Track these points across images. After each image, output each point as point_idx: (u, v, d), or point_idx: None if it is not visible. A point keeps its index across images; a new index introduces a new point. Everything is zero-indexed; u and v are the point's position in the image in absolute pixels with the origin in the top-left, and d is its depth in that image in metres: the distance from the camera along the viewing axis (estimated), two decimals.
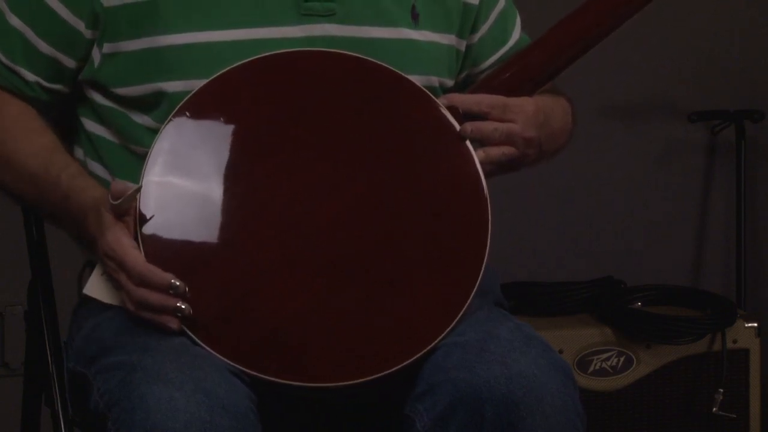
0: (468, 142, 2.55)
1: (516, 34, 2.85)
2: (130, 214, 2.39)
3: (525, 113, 2.63)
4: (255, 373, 2.39)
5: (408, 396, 2.46)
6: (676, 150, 4.55)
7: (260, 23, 2.60)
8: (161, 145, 2.48)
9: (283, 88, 2.55)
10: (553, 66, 2.67)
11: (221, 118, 2.53)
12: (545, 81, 2.67)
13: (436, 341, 2.43)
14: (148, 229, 2.45)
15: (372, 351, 2.46)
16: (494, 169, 2.58)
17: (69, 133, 2.72)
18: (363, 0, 2.65)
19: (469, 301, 2.46)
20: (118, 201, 2.36)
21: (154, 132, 2.51)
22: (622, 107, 4.30)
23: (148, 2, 2.54)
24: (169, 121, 2.48)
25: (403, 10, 2.65)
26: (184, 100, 2.50)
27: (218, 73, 2.51)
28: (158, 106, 2.55)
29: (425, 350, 2.43)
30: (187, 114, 2.50)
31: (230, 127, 2.54)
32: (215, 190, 2.47)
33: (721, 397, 3.89)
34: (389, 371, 2.42)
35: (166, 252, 2.46)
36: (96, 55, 2.60)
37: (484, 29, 2.78)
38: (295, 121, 2.53)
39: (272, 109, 2.52)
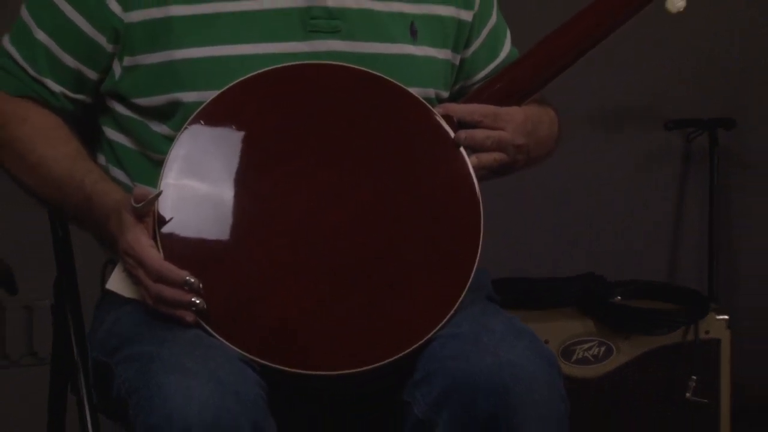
0: (462, 149, 2.56)
1: (506, 49, 2.88)
2: (149, 216, 2.40)
3: (514, 122, 2.64)
4: (264, 362, 2.40)
5: (406, 384, 2.46)
6: (653, 156, 4.56)
7: (269, 39, 2.62)
8: (177, 151, 2.49)
9: (291, 99, 2.57)
10: (540, 78, 2.70)
11: (233, 127, 2.55)
12: (533, 92, 2.71)
13: (431, 333, 2.46)
14: (165, 229, 2.47)
15: (372, 343, 2.48)
16: (487, 173, 2.61)
17: (92, 141, 2.73)
18: (365, 18, 2.65)
19: (462, 298, 2.48)
20: (140, 204, 2.37)
21: (171, 140, 2.53)
22: (604, 116, 4.30)
23: (164, 19, 2.56)
24: (184, 130, 2.50)
25: (402, 28, 2.67)
26: (198, 109, 2.52)
27: (230, 85, 2.52)
28: (174, 116, 2.57)
29: (421, 342, 2.45)
30: (201, 123, 2.52)
31: (241, 135, 2.55)
32: (228, 194, 2.50)
33: (694, 384, 3.90)
34: (388, 361, 2.44)
35: (182, 250, 2.48)
36: (116, 68, 2.61)
37: (476, 44, 2.81)
38: (302, 130, 2.55)
39: (281, 119, 2.54)
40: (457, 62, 2.77)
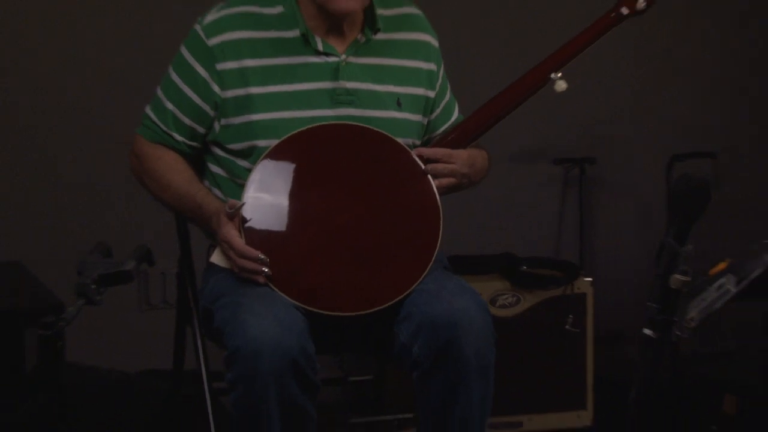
0: (429, 177, 2.58)
1: (455, 114, 2.88)
2: (236, 217, 2.44)
3: (461, 159, 2.66)
4: (306, 307, 2.45)
5: (394, 321, 2.50)
6: (545, 181, 4.51)
7: (310, 107, 2.61)
8: (254, 177, 2.52)
9: (323, 145, 2.58)
10: (476, 133, 2.69)
11: (288, 162, 2.55)
12: (473, 140, 2.70)
13: (409, 289, 2.51)
14: (247, 225, 2.50)
15: (373, 295, 2.51)
16: (444, 191, 2.62)
17: (200, 171, 2.73)
18: (370, 95, 2.65)
19: (429, 267, 2.54)
20: (231, 210, 2.45)
21: (249, 171, 2.54)
22: (515, 154, 4.29)
23: (246, 95, 2.59)
24: (258, 164, 2.52)
25: (392, 101, 2.68)
26: (266, 151, 2.53)
27: (286, 136, 2.53)
28: (252, 155, 2.59)
29: (403, 295, 2.51)
30: (269, 160, 2.53)
31: (293, 167, 2.55)
32: (284, 204, 2.54)
33: (570, 320, 3.90)
34: (383, 306, 2.48)
35: (257, 238, 2.50)
36: (216, 126, 2.64)
37: (437, 112, 2.83)
38: (329, 164, 2.58)
39: (316, 158, 2.56)
40: (426, 122, 2.78)
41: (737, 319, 2.51)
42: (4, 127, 4.03)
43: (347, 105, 2.61)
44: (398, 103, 2.66)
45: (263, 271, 2.41)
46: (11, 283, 3.67)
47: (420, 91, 2.71)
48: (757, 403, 3.42)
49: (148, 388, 3.65)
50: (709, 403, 3.58)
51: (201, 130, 2.63)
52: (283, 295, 2.43)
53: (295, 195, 2.51)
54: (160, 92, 2.65)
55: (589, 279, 4.01)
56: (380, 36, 2.66)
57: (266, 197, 2.50)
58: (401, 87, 2.68)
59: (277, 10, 2.60)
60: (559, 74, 2.61)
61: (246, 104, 2.58)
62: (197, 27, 2.60)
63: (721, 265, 2.30)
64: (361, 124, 2.57)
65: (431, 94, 2.74)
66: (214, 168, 2.68)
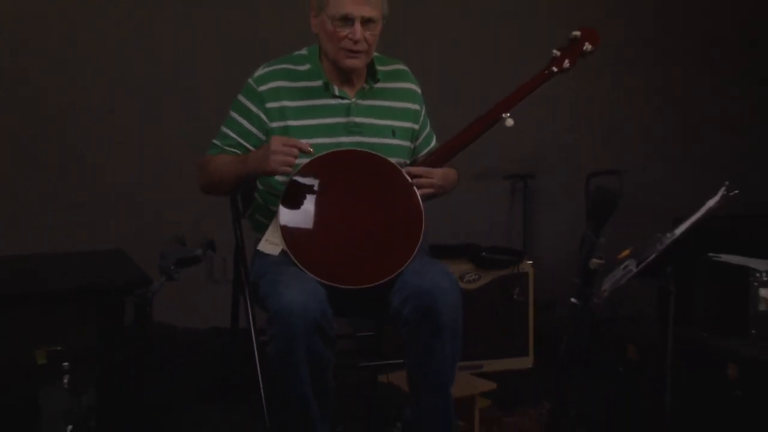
0: (414, 188, 2.56)
1: (433, 142, 2.83)
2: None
3: (438, 175, 2.62)
4: (327, 282, 2.42)
5: (390, 292, 2.48)
6: (499, 191, 4.48)
7: (330, 136, 2.60)
8: (288, 187, 2.50)
9: (339, 165, 2.54)
10: (449, 155, 2.65)
11: (314, 177, 2.52)
12: (447, 161, 2.65)
13: (401, 268, 2.48)
14: (282, 223, 2.47)
15: (375, 272, 2.47)
16: (426, 198, 2.58)
17: (250, 188, 2.70)
18: (373, 127, 2.64)
19: (415, 253, 2.50)
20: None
21: (284, 184, 2.52)
22: (476, 171, 4.23)
23: (284, 127, 2.58)
24: (293, 178, 2.49)
25: (390, 132, 2.66)
26: (297, 170, 2.50)
27: (312, 157, 2.50)
28: (287, 174, 2.51)
29: (396, 272, 2.47)
30: (299, 176, 2.51)
31: (317, 180, 2.51)
32: (311, 205, 2.50)
33: (517, 291, 3.84)
34: (383, 280, 2.46)
35: (293, 231, 2.47)
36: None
37: (420, 140, 2.80)
38: (343, 178, 2.54)
39: (334, 174, 2.52)
40: (413, 147, 2.75)
41: (637, 290, 2.49)
42: (112, 133, 3.95)
43: (357, 134, 2.59)
44: (393, 133, 2.64)
45: (308, 149, 2.41)
46: (115, 265, 3.65)
47: (409, 124, 2.69)
48: (650, 350, 3.41)
49: (213, 340, 3.63)
50: (617, 350, 3.56)
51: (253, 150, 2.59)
52: (309, 273, 2.41)
53: (318, 200, 2.48)
54: (224, 128, 2.62)
55: (531, 262, 3.96)
56: (379, 85, 2.65)
57: (298, 203, 2.48)
58: (395, 121, 2.66)
59: (306, 67, 2.61)
60: (508, 114, 2.58)
61: (285, 133, 2.56)
62: (250, 80, 2.59)
63: (626, 252, 2.29)
64: (367, 150, 2.56)
65: (416, 126, 2.71)
66: (260, 184, 2.63)
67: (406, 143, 2.69)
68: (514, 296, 3.92)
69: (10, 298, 3.35)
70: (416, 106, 2.71)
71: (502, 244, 4.26)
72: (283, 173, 2.45)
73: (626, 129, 4.59)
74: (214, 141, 2.63)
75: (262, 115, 2.56)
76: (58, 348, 2.60)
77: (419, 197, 2.54)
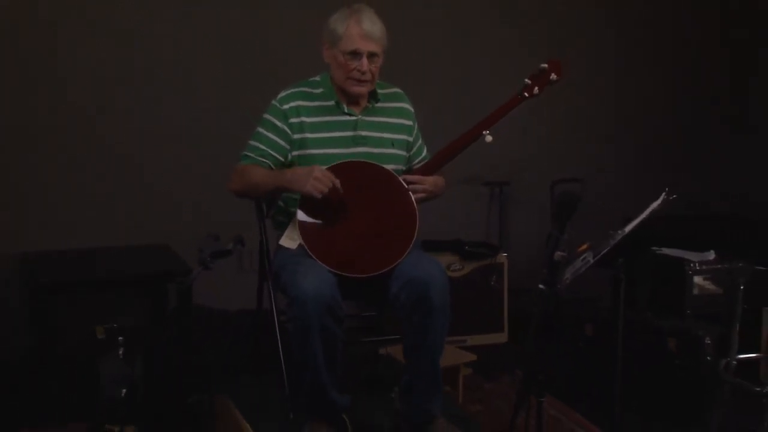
0: (410, 192, 2.56)
1: (424, 152, 2.83)
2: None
3: (429, 182, 2.62)
4: (337, 272, 2.43)
5: (389, 279, 2.49)
6: (479, 195, 4.46)
7: (340, 147, 2.60)
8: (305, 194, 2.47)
9: (348, 172, 2.52)
10: (439, 165, 2.65)
11: None
12: (437, 170, 2.65)
13: (400, 259, 2.48)
14: (300, 220, 2.49)
15: (378, 263, 2.46)
16: (419, 201, 2.58)
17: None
18: (376, 140, 2.65)
19: (410, 247, 2.51)
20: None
21: None
22: (461, 178, 4.21)
23: (303, 139, 2.58)
24: None
25: (389, 143, 2.67)
26: None
27: (326, 167, 2.50)
28: (316, 197, 2.49)
29: (396, 262, 2.48)
30: None
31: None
32: (324, 207, 2.49)
33: (494, 278, 3.85)
34: (384, 270, 2.45)
35: (309, 228, 2.48)
36: (289, 156, 2.61)
37: (413, 150, 2.80)
38: (350, 184, 2.51)
39: (345, 178, 2.49)
40: (407, 156, 2.76)
41: (594, 278, 2.49)
42: (158, 141, 3.83)
43: (362, 145, 2.60)
44: (392, 144, 2.67)
45: (334, 183, 2.40)
46: (161, 257, 3.65)
47: (404, 137, 2.71)
48: (604, 328, 3.41)
49: (242, 320, 3.63)
50: (577, 328, 3.56)
51: (282, 160, 2.59)
52: (323, 264, 2.42)
53: (330, 203, 2.48)
54: (254, 142, 2.62)
55: (505, 254, 3.97)
56: (380, 104, 2.68)
57: (312, 203, 2.48)
58: (394, 134, 2.67)
59: (320, 90, 2.64)
60: (488, 132, 2.59)
61: (304, 143, 2.58)
62: (275, 101, 2.60)
63: (585, 246, 2.29)
64: (371, 162, 2.57)
65: (410, 139, 2.74)
66: None
67: (402, 152, 2.69)
68: (492, 283, 3.92)
69: (75, 284, 3.37)
70: (410, 122, 2.73)
71: (482, 239, 4.28)
72: (314, 196, 2.43)
73: (584, 144, 4.59)
74: (246, 153, 2.62)
75: (287, 129, 2.57)
76: (114, 325, 2.61)
77: (414, 200, 2.55)
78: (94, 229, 3.76)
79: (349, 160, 2.54)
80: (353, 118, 2.60)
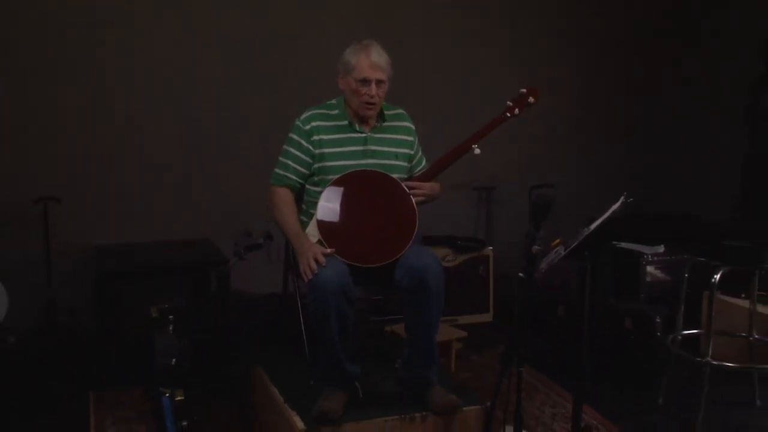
0: (411, 196, 2.52)
1: (423, 163, 2.77)
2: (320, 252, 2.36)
3: (427, 187, 2.60)
4: (350, 262, 2.40)
5: (393, 268, 2.44)
6: (470, 198, 4.43)
7: (352, 159, 2.55)
8: (324, 194, 2.46)
9: (358, 180, 2.50)
10: (435, 173, 2.62)
11: (341, 187, 2.49)
12: (433, 177, 2.62)
13: (402, 252, 2.44)
14: (318, 219, 2.44)
15: (384, 254, 2.42)
16: (418, 204, 2.54)
17: (301, 196, 2.63)
18: (382, 153, 2.59)
19: (411, 242, 2.48)
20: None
21: (319, 193, 2.49)
22: (454, 184, 4.16)
23: (321, 153, 2.53)
24: (327, 188, 2.47)
25: (394, 156, 2.63)
26: (330, 182, 2.48)
27: (340, 175, 2.48)
28: (323, 184, 2.50)
29: (399, 254, 2.43)
30: (331, 186, 2.48)
31: (342, 190, 2.48)
32: (338, 208, 2.46)
33: (481, 269, 3.82)
34: (389, 260, 2.41)
35: (326, 226, 2.43)
36: (312, 170, 2.56)
37: (414, 161, 2.74)
38: (360, 190, 2.49)
39: (354, 186, 2.48)
40: (409, 167, 2.71)
41: (565, 268, 2.46)
42: (197, 143, 3.80)
43: (371, 157, 2.56)
44: (396, 156, 2.63)
45: (322, 264, 2.30)
46: (203, 249, 3.65)
47: (406, 150, 2.66)
48: (573, 310, 3.39)
49: (270, 302, 3.62)
50: (551, 310, 3.54)
51: (307, 172, 2.55)
52: (337, 256, 2.39)
53: (344, 203, 2.46)
54: (282, 159, 2.59)
55: (491, 248, 3.95)
56: (386, 123, 2.64)
57: (329, 204, 2.46)
58: (398, 148, 2.62)
59: (335, 111, 2.60)
60: (476, 146, 2.57)
61: (323, 157, 2.54)
62: (298, 122, 2.56)
63: (557, 241, 2.26)
64: (377, 170, 2.54)
65: (412, 152, 2.68)
66: (308, 190, 2.59)
67: (405, 164, 2.65)
68: (480, 272, 3.90)
69: (135, 272, 3.37)
70: (411, 138, 2.70)
71: (471, 235, 4.24)
72: (300, 260, 2.36)
73: (557, 156, 4.56)
74: (276, 170, 2.59)
75: (309, 146, 2.56)
76: (166, 306, 2.59)
77: (414, 203, 2.52)
78: (151, 226, 3.77)
79: (360, 169, 2.52)
80: (363, 135, 2.58)
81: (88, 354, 3.28)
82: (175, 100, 3.75)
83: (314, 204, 2.51)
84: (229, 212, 3.82)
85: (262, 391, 2.69)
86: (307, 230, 2.51)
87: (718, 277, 2.75)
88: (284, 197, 2.55)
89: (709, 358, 2.77)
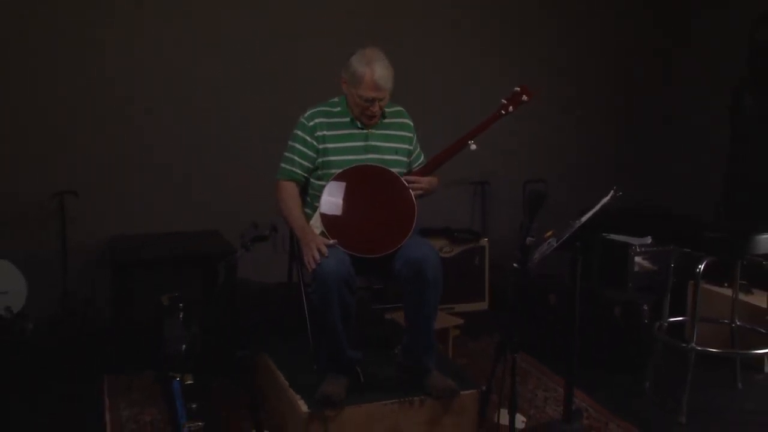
0: (410, 190, 2.51)
1: (422, 158, 2.75)
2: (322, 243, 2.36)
3: (425, 181, 2.59)
4: (352, 253, 2.40)
5: (393, 259, 2.45)
6: (466, 192, 4.40)
7: (354, 154, 2.54)
8: (327, 188, 2.46)
9: (360, 174, 2.50)
10: (433, 168, 2.62)
11: (343, 181, 2.48)
12: (431, 172, 2.61)
13: (401, 243, 2.44)
14: (322, 211, 2.44)
15: (385, 245, 2.42)
16: (417, 197, 2.53)
17: (305, 189, 2.63)
18: (382, 148, 2.58)
19: (410, 233, 2.48)
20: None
21: (323, 186, 2.49)
22: (451, 179, 4.12)
23: (325, 148, 2.52)
24: (329, 182, 2.47)
25: (394, 151, 2.61)
26: (332, 176, 2.48)
27: (342, 170, 2.48)
28: (327, 178, 2.50)
29: (399, 245, 2.43)
30: (334, 181, 2.47)
31: (344, 184, 2.47)
32: (340, 201, 2.46)
33: (477, 259, 3.80)
34: (389, 251, 2.41)
35: (329, 219, 2.42)
36: (315, 163, 2.55)
37: (413, 156, 2.73)
38: (362, 183, 2.49)
39: (356, 180, 2.48)
40: (408, 161, 2.70)
41: (557, 258, 2.45)
42: (201, 143, 3.76)
43: (372, 153, 2.55)
44: (396, 152, 2.62)
45: (324, 256, 2.29)
46: (212, 241, 3.64)
47: (406, 146, 2.66)
48: (564, 298, 3.38)
49: (276, 291, 3.61)
50: (543, 298, 3.54)
51: (311, 166, 2.54)
52: (340, 247, 2.39)
53: (346, 196, 2.45)
54: (287, 154, 2.59)
55: (486, 239, 3.93)
56: (386, 120, 2.63)
57: (332, 198, 2.46)
58: (397, 144, 2.61)
59: (338, 109, 2.59)
60: (472, 142, 2.57)
61: (326, 152, 2.54)
62: (302, 119, 2.56)
63: (549, 233, 2.25)
64: (378, 165, 2.53)
65: (411, 147, 2.68)
66: (312, 183, 2.58)
67: (404, 158, 2.65)
68: (476, 262, 3.89)
69: (147, 262, 3.37)
70: (410, 134, 2.69)
71: (468, 227, 4.23)
72: (305, 251, 2.37)
73: (550, 152, 4.55)
74: (282, 165, 2.59)
75: (313, 141, 2.55)
76: (176, 294, 2.59)
77: (413, 196, 2.52)
78: (162, 218, 3.77)
79: (362, 164, 2.51)
80: (365, 131, 2.57)
81: (103, 340, 3.28)
82: (175, 100, 3.71)
83: (318, 197, 2.51)
84: (237, 205, 3.79)
85: (268, 377, 2.69)
86: (311, 222, 2.51)
87: (702, 267, 2.75)
88: (290, 191, 2.55)
89: (693, 344, 2.77)
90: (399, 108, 2.72)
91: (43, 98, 3.50)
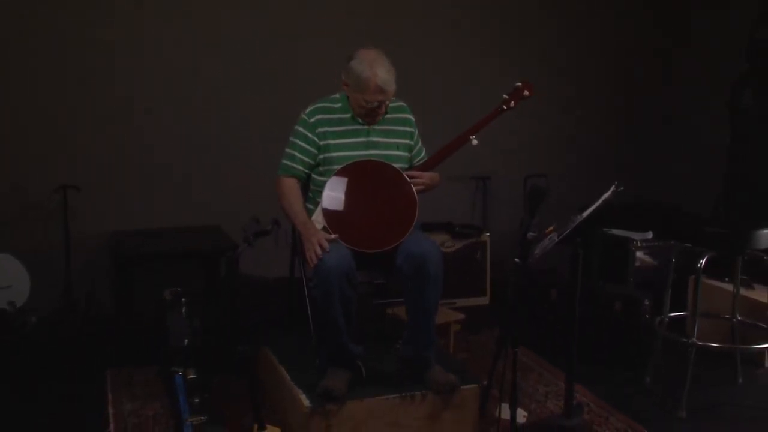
0: (411, 185, 2.50)
1: (423, 153, 2.74)
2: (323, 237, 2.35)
3: (427, 177, 2.58)
4: (353, 247, 2.39)
5: (394, 253, 2.44)
6: (467, 188, 4.37)
7: (356, 150, 2.53)
8: (329, 184, 2.45)
9: (361, 170, 2.49)
10: (434, 164, 2.60)
11: (344, 177, 2.47)
12: (432, 167, 2.60)
13: (403, 238, 2.43)
14: (323, 207, 2.43)
15: (386, 240, 2.41)
16: (418, 192, 2.53)
17: (306, 185, 2.62)
18: (383, 144, 2.57)
19: (412, 228, 2.47)
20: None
21: (325, 182, 2.48)
22: (452, 174, 4.10)
23: (326, 144, 2.52)
24: (330, 178, 2.45)
25: (395, 147, 2.60)
26: (334, 172, 2.46)
27: (343, 165, 2.47)
28: (328, 174, 2.48)
29: (400, 240, 2.42)
30: (335, 176, 2.46)
31: (346, 180, 2.46)
32: (342, 196, 2.45)
33: (479, 254, 3.81)
34: (390, 246, 2.40)
35: (331, 214, 2.41)
36: (317, 160, 2.54)
37: (414, 151, 2.71)
38: (363, 179, 2.48)
39: (357, 175, 2.47)
40: (410, 157, 2.68)
41: (558, 253, 2.44)
42: (203, 142, 3.76)
43: (373, 148, 2.54)
44: (397, 147, 2.61)
45: (325, 251, 2.29)
46: (214, 236, 3.64)
47: (407, 141, 2.64)
48: (565, 293, 3.38)
49: (278, 286, 3.61)
50: (544, 293, 3.53)
51: (313, 162, 2.54)
52: (341, 241, 2.38)
53: (348, 192, 2.44)
54: (288, 150, 2.57)
55: (488, 234, 3.93)
56: (388, 116, 2.61)
57: (333, 193, 2.45)
58: (398, 139, 2.61)
59: (339, 105, 2.58)
60: (474, 137, 2.56)
61: (327, 148, 2.53)
62: (303, 115, 2.54)
63: (550, 229, 2.25)
64: (379, 160, 2.52)
65: (412, 143, 2.66)
66: (313, 179, 2.57)
67: (405, 154, 2.64)
68: (477, 257, 3.89)
69: (149, 257, 3.37)
70: (411, 129, 2.68)
71: (469, 222, 4.22)
72: (306, 246, 2.36)
73: (550, 148, 4.53)
74: (283, 161, 2.58)
75: (315, 138, 2.54)
76: (179, 289, 2.59)
77: (414, 191, 2.51)
78: (164, 214, 3.76)
79: (363, 159, 2.50)
80: (366, 127, 2.56)
81: (105, 335, 3.29)
82: (175, 99, 3.69)
83: (320, 192, 2.50)
84: (239, 200, 3.78)
85: (270, 371, 2.69)
86: (313, 217, 2.50)
87: (703, 262, 2.74)
88: (291, 187, 2.54)
89: (694, 339, 2.76)
90: (401, 103, 2.70)
91: (43, 98, 3.49)
